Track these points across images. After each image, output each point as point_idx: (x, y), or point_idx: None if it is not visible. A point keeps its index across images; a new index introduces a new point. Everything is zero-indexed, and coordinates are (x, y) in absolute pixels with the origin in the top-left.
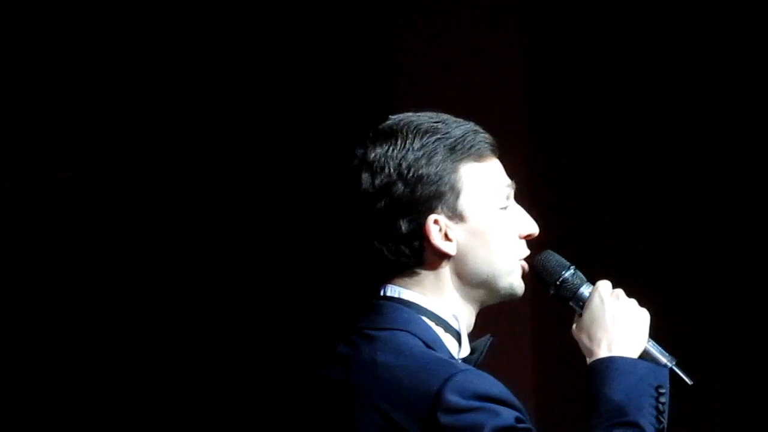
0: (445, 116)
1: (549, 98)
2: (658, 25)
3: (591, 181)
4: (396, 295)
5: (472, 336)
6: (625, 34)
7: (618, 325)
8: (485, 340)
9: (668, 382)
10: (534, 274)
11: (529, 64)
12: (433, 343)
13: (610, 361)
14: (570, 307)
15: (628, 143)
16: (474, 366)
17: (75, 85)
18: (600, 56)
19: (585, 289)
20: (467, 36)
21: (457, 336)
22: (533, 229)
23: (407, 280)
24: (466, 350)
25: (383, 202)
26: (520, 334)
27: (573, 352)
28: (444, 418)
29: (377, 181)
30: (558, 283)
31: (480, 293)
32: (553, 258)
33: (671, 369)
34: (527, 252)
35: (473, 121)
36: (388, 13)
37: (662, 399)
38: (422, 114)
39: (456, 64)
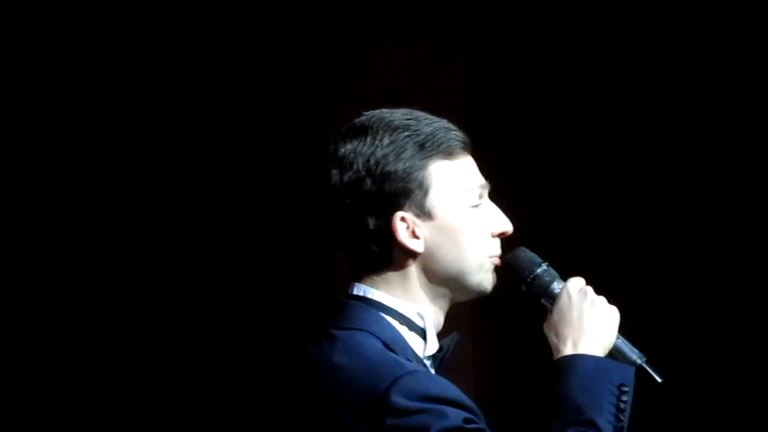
0: (418, 113)
1: (488, 103)
2: (605, 19)
3: (542, 179)
4: (361, 294)
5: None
6: (567, 31)
7: (584, 322)
8: (452, 337)
9: (632, 380)
10: (506, 270)
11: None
12: (393, 343)
13: (573, 358)
14: (542, 304)
15: (581, 144)
16: (441, 363)
17: (20, 85)
18: (545, 52)
19: (556, 286)
20: (406, 39)
21: (423, 334)
22: (506, 227)
23: (375, 278)
24: (432, 348)
25: (351, 198)
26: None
27: (513, 351)
28: (390, 420)
29: (346, 177)
30: (530, 279)
31: (448, 291)
32: (526, 254)
33: (641, 366)
34: (499, 251)
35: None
36: (327, 13)
37: (624, 397)
38: (395, 111)
39: (396, 65)
